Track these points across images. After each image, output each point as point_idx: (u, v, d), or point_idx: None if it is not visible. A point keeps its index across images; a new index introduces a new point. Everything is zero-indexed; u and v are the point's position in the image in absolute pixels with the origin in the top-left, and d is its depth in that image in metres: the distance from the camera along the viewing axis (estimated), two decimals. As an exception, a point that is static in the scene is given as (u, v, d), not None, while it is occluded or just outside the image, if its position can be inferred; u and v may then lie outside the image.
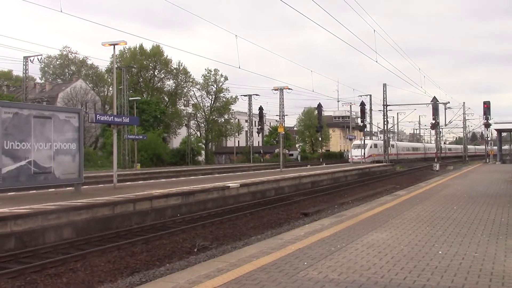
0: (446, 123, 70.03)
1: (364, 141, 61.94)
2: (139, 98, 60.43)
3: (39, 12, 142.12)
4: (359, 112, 60.11)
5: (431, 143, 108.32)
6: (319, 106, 61.53)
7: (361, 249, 7.43)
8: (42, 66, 73.11)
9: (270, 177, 25.85)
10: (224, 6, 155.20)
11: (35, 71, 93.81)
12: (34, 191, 17.78)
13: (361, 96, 61.47)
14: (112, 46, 22.87)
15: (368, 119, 62.10)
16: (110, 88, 71.61)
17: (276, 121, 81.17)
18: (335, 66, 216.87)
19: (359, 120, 66.06)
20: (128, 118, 23.16)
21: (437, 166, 51.24)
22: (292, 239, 8.41)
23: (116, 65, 28.88)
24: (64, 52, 77.13)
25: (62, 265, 9.70)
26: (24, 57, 48.56)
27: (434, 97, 54.42)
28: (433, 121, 54.65)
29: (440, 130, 77.34)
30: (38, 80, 78.65)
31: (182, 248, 11.46)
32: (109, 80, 71.19)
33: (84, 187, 18.96)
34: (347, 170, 36.91)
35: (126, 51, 70.86)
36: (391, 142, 70.49)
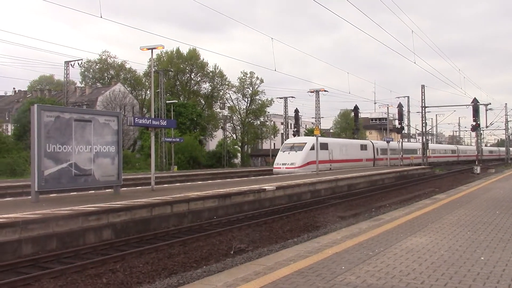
0: (487, 125, 68.17)
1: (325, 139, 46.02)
2: (176, 101, 61.23)
3: (80, 18, 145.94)
4: (397, 114, 59.06)
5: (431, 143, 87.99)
6: (356, 108, 60.86)
7: (399, 253, 7.30)
8: (82, 70, 74.91)
9: (306, 179, 25.71)
10: (259, 9, 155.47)
11: (75, 76, 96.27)
12: (75, 193, 18.22)
13: (398, 97, 60.50)
14: (150, 50, 23.22)
15: (406, 121, 61.08)
16: (148, 92, 72.83)
17: (312, 123, 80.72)
18: (372, 68, 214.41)
19: (396, 122, 63.96)
20: (165, 121, 23.43)
21: (478, 169, 49.98)
22: (329, 242, 8.35)
23: (153, 69, 29.31)
24: (103, 57, 78.87)
25: (101, 266, 9.90)
26: (65, 62, 49.96)
27: (475, 98, 53.03)
28: (474, 123, 53.31)
29: (481, 132, 75.35)
30: (78, 84, 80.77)
31: (219, 251, 11.52)
32: (147, 83, 72.42)
33: (123, 189, 19.31)
34: (383, 173, 36.40)
35: (163, 54, 71.88)
36: (353, 142, 52.97)
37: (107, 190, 19.06)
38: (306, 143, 40.35)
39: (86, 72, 79.69)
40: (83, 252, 11.19)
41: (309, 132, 78.58)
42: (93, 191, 18.89)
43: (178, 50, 73.42)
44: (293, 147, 40.64)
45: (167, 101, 55.87)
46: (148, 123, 20.40)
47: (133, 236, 12.94)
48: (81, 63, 53.67)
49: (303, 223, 16.01)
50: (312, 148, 38.60)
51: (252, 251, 11.43)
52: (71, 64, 49.83)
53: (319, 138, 40.72)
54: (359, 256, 7.17)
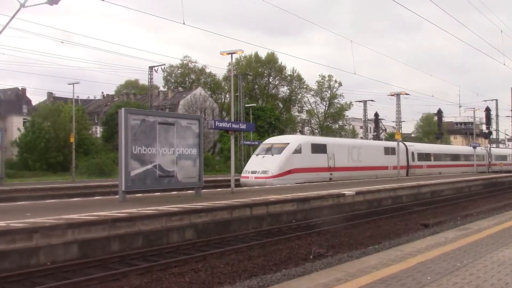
0: None
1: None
2: (255, 104, 61.94)
3: (163, 25, 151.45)
4: (484, 118, 56.21)
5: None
6: (439, 112, 58.69)
7: (490, 266, 6.93)
8: (165, 75, 77.69)
9: (387, 185, 25.08)
10: (337, 11, 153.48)
11: (158, 80, 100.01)
12: (158, 194, 18.91)
13: (485, 101, 57.56)
14: (230, 55, 23.66)
15: (494, 126, 58.01)
16: (227, 95, 74.26)
17: (393, 127, 78.71)
18: (456, 69, 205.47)
19: (483, 127, 60.60)
20: (244, 125, 23.79)
21: None
22: (413, 251, 8.09)
23: (233, 73, 29.79)
24: (185, 62, 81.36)
25: (184, 265, 10.18)
26: (149, 67, 52.17)
27: None
28: None
29: None
30: (161, 88, 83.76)
31: (298, 255, 11.48)
32: (226, 87, 73.84)
33: (204, 190, 19.76)
34: (470, 180, 34.74)
35: (242, 59, 73.00)
36: (372, 143, 43.68)
37: (188, 192, 19.62)
38: (288, 143, 29.69)
39: (168, 77, 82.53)
40: (166, 251, 11.56)
41: (390, 137, 76.52)
42: (175, 192, 19.51)
43: (256, 54, 74.41)
44: (270, 150, 29.96)
45: (246, 105, 56.68)
46: (228, 126, 20.80)
47: (213, 237, 13.22)
48: (164, 68, 55.80)
49: (384, 229, 15.61)
50: (298, 151, 29.44)
51: (332, 256, 11.30)
52: (154, 69, 51.95)
53: (310, 138, 34.07)
54: (445, 266, 6.88)
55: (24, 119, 65.59)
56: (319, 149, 31.32)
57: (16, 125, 60.42)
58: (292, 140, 30.95)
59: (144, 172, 16.40)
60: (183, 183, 18.13)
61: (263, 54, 74.58)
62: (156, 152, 16.81)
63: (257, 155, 30.78)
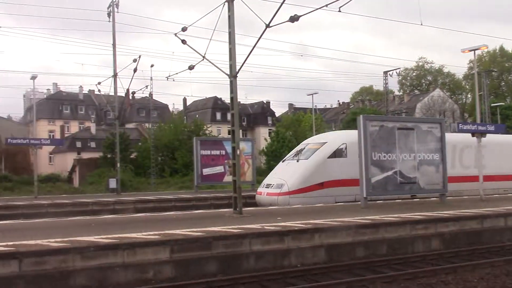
0: None
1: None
2: (502, 103, 56.34)
3: (396, 28, 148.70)
4: None
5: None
6: None
7: None
8: (400, 78, 76.21)
9: None
10: None
11: (393, 84, 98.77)
12: (399, 200, 18.52)
13: None
14: (472, 52, 22.06)
15: None
16: (469, 95, 69.27)
17: None
18: None
19: None
20: (492, 126, 21.72)
21: None
22: None
23: (475, 70, 27.64)
24: (420, 63, 78.64)
25: (433, 276, 9.70)
26: (383, 72, 51.80)
27: None
28: None
29: None
30: (396, 93, 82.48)
31: None
32: (467, 86, 68.97)
33: (448, 198, 18.67)
34: None
35: (484, 54, 67.29)
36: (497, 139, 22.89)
37: (431, 199, 18.80)
38: (325, 143, 20.23)
39: (403, 80, 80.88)
40: (411, 260, 11.22)
41: None
42: (417, 199, 18.89)
43: (501, 48, 67.78)
44: (300, 153, 20.85)
45: (491, 104, 51.98)
46: (473, 128, 19.38)
47: (463, 248, 12.35)
48: (399, 71, 54.80)
49: None
50: (338, 155, 19.58)
51: None
52: (389, 74, 51.38)
53: (349, 132, 20.81)
54: None
55: (269, 129, 71.58)
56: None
57: (263, 135, 66.27)
58: (333, 138, 21.37)
59: (385, 179, 16.37)
60: (426, 190, 17.55)
61: (509, 47, 67.60)
62: (396, 158, 16.63)
63: (283, 161, 22.04)
